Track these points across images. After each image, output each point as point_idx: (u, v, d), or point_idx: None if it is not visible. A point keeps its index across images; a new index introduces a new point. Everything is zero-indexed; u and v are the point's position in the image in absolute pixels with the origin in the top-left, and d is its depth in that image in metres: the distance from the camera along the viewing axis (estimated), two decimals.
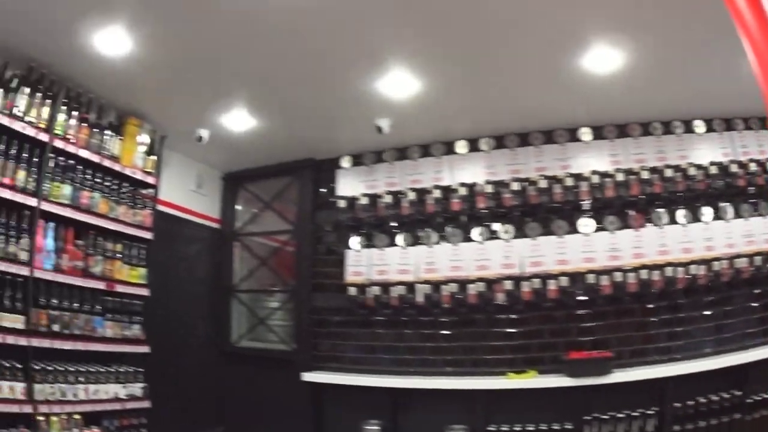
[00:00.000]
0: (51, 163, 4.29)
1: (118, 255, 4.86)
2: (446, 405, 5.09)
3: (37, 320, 4.10)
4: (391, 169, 6.00)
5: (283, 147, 6.18)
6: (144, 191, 5.19)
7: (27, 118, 4.13)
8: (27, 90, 4.14)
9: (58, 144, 4.36)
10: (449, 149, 5.79)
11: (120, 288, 4.82)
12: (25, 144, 4.12)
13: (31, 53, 4.18)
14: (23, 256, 4.04)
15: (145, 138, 5.22)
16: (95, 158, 4.67)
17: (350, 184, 6.15)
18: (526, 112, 5.25)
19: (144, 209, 5.15)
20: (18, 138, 4.07)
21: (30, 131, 4.13)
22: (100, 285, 4.63)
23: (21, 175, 4.06)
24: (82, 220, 4.52)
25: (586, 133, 5.42)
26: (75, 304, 4.42)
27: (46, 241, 4.25)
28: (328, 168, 6.34)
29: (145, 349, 4.93)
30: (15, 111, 4.04)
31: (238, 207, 6.89)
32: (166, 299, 5.45)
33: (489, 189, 5.50)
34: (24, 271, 4.02)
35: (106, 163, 4.78)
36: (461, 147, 5.74)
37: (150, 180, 5.24)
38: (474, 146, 5.70)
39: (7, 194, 3.95)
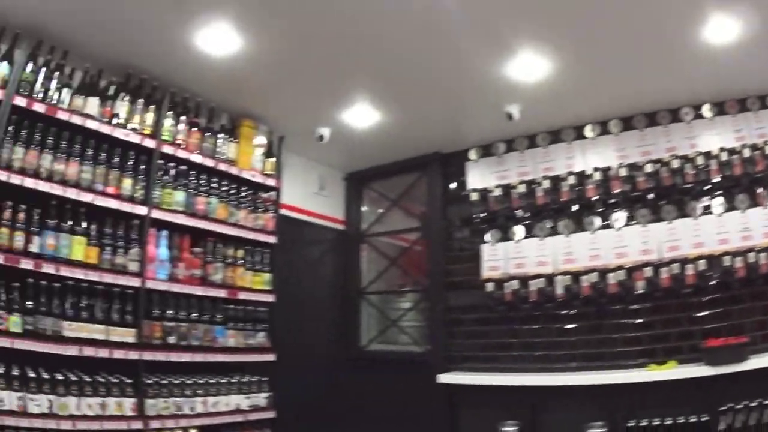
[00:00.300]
0: (160, 170, 3.73)
1: (239, 261, 4.20)
2: (585, 402, 4.13)
3: (150, 333, 3.53)
4: (521, 158, 4.95)
5: (408, 142, 5.23)
6: (265, 194, 4.50)
7: (130, 125, 3.59)
8: (126, 97, 3.60)
9: (167, 150, 3.78)
10: (578, 134, 4.77)
11: (243, 295, 4.16)
12: (129, 152, 3.58)
13: (127, 59, 3.66)
14: (133, 266, 3.48)
15: (261, 140, 4.55)
16: (209, 162, 4.06)
17: (481, 176, 5.12)
18: (651, 90, 4.25)
19: (266, 213, 4.45)
20: (121, 146, 3.53)
21: (134, 138, 3.59)
22: (221, 293, 4.00)
23: (127, 183, 3.52)
24: (198, 227, 3.91)
25: (708, 110, 4.38)
26: (193, 314, 3.80)
27: (159, 250, 3.68)
28: (456, 161, 5.34)
29: (270, 357, 4.23)
30: (115, 119, 3.52)
31: (364, 208, 6.05)
32: (291, 305, 4.74)
33: (623, 172, 4.51)
34: (134, 282, 3.46)
35: (222, 167, 4.15)
36: (590, 131, 4.70)
37: (271, 182, 4.55)
38: (603, 129, 4.69)
39: (113, 203, 3.42)
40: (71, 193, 3.24)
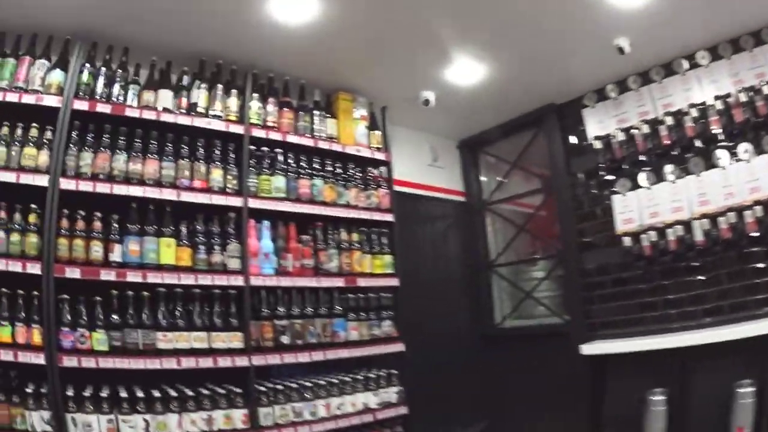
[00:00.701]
0: (253, 157, 2.92)
1: (355, 245, 3.27)
2: (733, 359, 2.95)
3: (260, 335, 2.75)
4: (638, 97, 3.60)
5: (519, 96, 3.89)
6: (375, 171, 3.51)
7: (212, 113, 2.83)
8: (203, 85, 2.83)
9: (257, 134, 2.95)
10: (691, 63, 3.41)
11: (363, 282, 3.23)
12: (214, 141, 2.83)
13: (197, 47, 2.87)
14: (233, 264, 2.72)
15: (362, 112, 3.54)
16: (307, 142, 3.16)
17: (599, 123, 3.76)
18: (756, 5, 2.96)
19: (378, 190, 3.46)
20: (204, 136, 2.78)
21: (218, 125, 2.81)
22: (338, 282, 3.10)
23: (216, 174, 2.76)
24: (304, 213, 3.05)
25: None
26: (308, 309, 2.97)
27: (262, 242, 2.88)
28: (572, 111, 3.95)
29: (398, 347, 3.26)
30: (193, 110, 2.78)
31: (482, 177, 4.74)
32: (417, 287, 3.71)
33: (743, 98, 3.15)
34: (237, 280, 2.70)
35: (323, 145, 3.23)
36: (703, 58, 3.34)
37: (380, 156, 3.54)
38: (714, 55, 3.32)
39: (202, 198, 2.68)
40: (152, 193, 2.55)
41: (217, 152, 2.81)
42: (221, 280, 2.67)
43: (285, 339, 2.84)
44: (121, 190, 2.49)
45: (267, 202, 2.91)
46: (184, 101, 2.76)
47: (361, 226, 3.35)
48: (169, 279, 2.54)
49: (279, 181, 2.99)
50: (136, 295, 2.46)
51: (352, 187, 3.33)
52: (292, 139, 3.09)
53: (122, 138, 2.56)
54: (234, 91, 2.92)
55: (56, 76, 2.45)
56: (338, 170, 3.30)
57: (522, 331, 4.31)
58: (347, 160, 3.37)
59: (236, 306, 2.73)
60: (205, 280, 2.63)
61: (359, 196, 3.36)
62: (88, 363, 2.24)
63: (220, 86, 2.88)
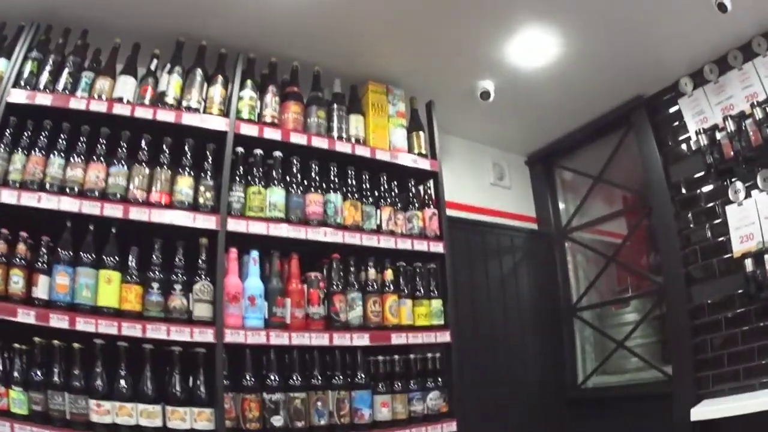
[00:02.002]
0: (242, 163, 2.18)
1: (389, 286, 2.36)
2: None
3: (241, 412, 1.91)
4: (743, 76, 2.68)
5: (599, 87, 2.96)
6: (419, 185, 2.65)
7: (186, 104, 2.14)
8: (177, 68, 2.17)
9: (248, 131, 2.20)
10: None
11: (399, 338, 2.29)
12: (186, 140, 2.11)
13: (175, 25, 2.26)
14: (201, 311, 1.93)
15: (399, 107, 2.68)
16: (320, 143, 2.35)
17: (700, 114, 2.83)
18: None
19: (423, 210, 2.56)
20: (172, 133, 2.08)
21: (191, 120, 2.10)
22: (362, 339, 2.19)
23: (184, 184, 2.03)
24: (313, 240, 2.21)
25: None
26: (316, 378, 2.10)
27: (247, 282, 2.06)
28: (664, 102, 3.01)
29: (450, 427, 2.27)
30: (161, 99, 2.12)
31: (560, 200, 3.74)
32: (476, 342, 2.80)
33: None
34: (205, 335, 1.89)
35: (342, 148, 2.41)
36: None
37: (425, 165, 2.63)
38: None
39: (160, 217, 1.95)
40: (90, 208, 1.88)
41: (189, 156, 2.10)
42: (181, 334, 1.88)
43: (278, 420, 1.96)
44: (50, 202, 1.83)
45: (256, 224, 2.11)
46: (149, 90, 2.11)
47: (398, 260, 2.46)
48: (108, 327, 1.80)
49: (276, 195, 2.19)
50: (66, 346, 1.76)
51: (386, 206, 2.46)
52: (298, 139, 2.30)
53: (62, 137, 1.94)
54: (219, 78, 2.24)
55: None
56: (364, 182, 2.47)
57: (611, 392, 3.18)
58: (379, 169, 2.53)
59: (204, 371, 1.95)
60: (158, 332, 1.85)
61: (395, 218, 2.47)
62: (2, 428, 1.55)
63: (198, 71, 2.20)
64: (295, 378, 2.06)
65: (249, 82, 2.28)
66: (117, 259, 1.89)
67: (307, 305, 2.17)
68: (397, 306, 2.38)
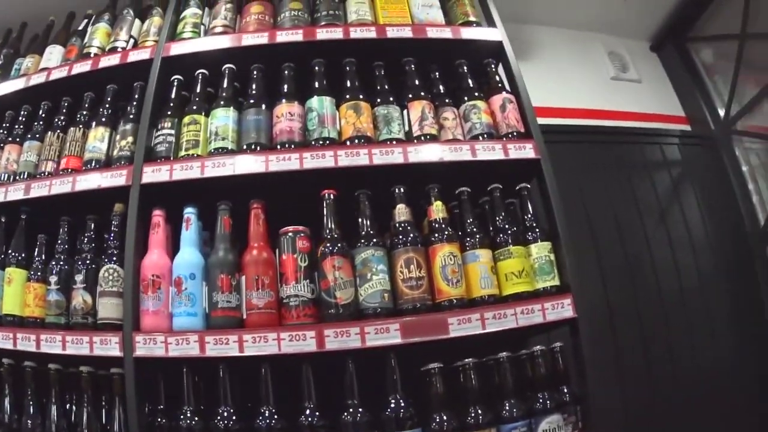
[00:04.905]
0: (176, 95, 1.52)
1: (439, 232, 1.29)
2: None
3: None
4: None
5: None
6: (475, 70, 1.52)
7: (109, 47, 1.65)
8: (105, 17, 1.74)
9: (181, 50, 1.54)
10: None
11: (462, 323, 1.17)
12: (108, 87, 1.59)
13: None
14: (108, 310, 1.27)
15: None
16: (291, 36, 1.49)
17: None
18: None
19: (489, 98, 1.46)
20: (93, 87, 1.60)
21: (107, 62, 1.57)
22: (385, 335, 1.17)
23: (95, 138, 1.47)
24: (282, 172, 1.36)
25: None
26: (305, 415, 1.18)
27: (177, 257, 1.31)
28: None
29: None
30: (85, 54, 1.69)
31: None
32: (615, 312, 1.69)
33: None
34: (107, 347, 1.22)
35: (327, 35, 1.49)
36: None
37: (476, 35, 1.55)
38: None
39: (62, 186, 1.41)
40: None
41: (107, 106, 1.55)
42: (78, 346, 1.26)
43: None
44: None
45: (186, 166, 1.37)
46: (75, 50, 1.71)
47: (454, 184, 1.38)
48: (4, 342, 1.33)
49: (219, 119, 1.42)
50: None
51: (415, 101, 1.44)
52: (255, 40, 1.51)
53: None
54: (156, 10, 1.69)
55: None
56: (379, 79, 1.51)
57: None
58: (398, 55, 1.52)
59: (120, 400, 1.26)
60: (52, 345, 1.27)
61: (438, 117, 1.42)
62: None
63: (128, 10, 1.71)
64: (263, 418, 1.18)
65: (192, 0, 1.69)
66: (21, 254, 1.44)
67: (279, 284, 1.30)
68: (460, 263, 1.27)
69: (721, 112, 2.59)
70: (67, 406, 1.31)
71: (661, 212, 2.23)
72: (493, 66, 1.57)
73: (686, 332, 2.05)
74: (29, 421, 1.28)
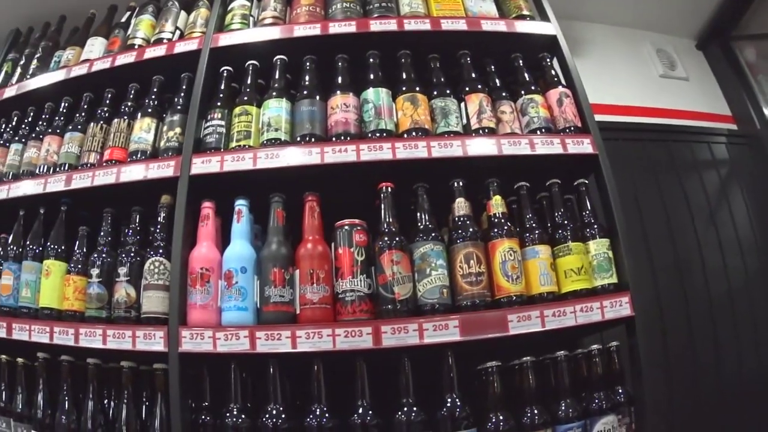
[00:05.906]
0: (225, 86, 1.47)
1: (498, 227, 1.24)
2: None
3: None
4: None
5: None
6: (529, 64, 1.49)
7: (156, 38, 1.62)
8: (149, 8, 1.71)
9: (230, 40, 1.50)
10: None
11: (522, 321, 1.12)
12: (154, 78, 1.55)
13: None
14: (153, 304, 1.22)
15: None
16: (346, 28, 1.46)
17: None
18: None
19: (546, 92, 1.43)
20: (138, 79, 1.57)
21: (153, 53, 1.54)
22: (443, 333, 1.12)
23: (140, 129, 1.44)
24: (339, 164, 1.32)
25: None
26: (358, 413, 1.12)
27: (228, 250, 1.26)
28: None
29: None
30: (129, 45, 1.65)
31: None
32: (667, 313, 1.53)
33: None
34: (150, 342, 1.18)
35: (381, 27, 1.46)
36: None
37: (531, 28, 1.52)
38: None
39: (105, 178, 1.37)
40: (34, 187, 1.44)
41: (154, 97, 1.52)
42: (120, 341, 1.21)
43: None
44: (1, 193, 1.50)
45: (238, 157, 1.33)
46: (118, 42, 1.69)
47: (513, 178, 1.34)
48: (40, 335, 1.29)
49: (272, 110, 1.39)
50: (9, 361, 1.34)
51: (473, 94, 1.40)
52: (307, 31, 1.48)
53: (25, 122, 1.68)
54: (204, 1, 1.67)
55: None
56: (435, 71, 1.47)
57: None
58: (453, 48, 1.50)
59: (162, 397, 1.20)
60: (92, 339, 1.23)
61: (496, 110, 1.39)
62: None
63: (173, 2, 1.68)
64: (313, 416, 1.13)
65: None
66: (61, 246, 1.40)
67: (334, 278, 1.25)
68: (520, 259, 1.23)
69: (766, 112, 2.50)
70: (105, 402, 1.26)
71: (710, 212, 2.18)
72: (548, 60, 1.54)
73: (733, 338, 1.98)
74: (63, 417, 1.23)
